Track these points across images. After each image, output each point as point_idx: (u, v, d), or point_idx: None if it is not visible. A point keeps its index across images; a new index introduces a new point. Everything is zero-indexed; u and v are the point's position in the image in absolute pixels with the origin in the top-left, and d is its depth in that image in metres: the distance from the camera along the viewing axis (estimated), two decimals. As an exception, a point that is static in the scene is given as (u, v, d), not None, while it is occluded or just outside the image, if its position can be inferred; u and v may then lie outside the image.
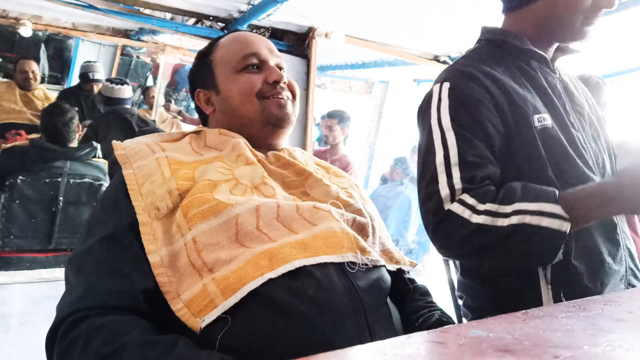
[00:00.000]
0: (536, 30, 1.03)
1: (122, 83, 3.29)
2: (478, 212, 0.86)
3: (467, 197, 0.87)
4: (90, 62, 4.04)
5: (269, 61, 0.91)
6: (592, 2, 0.96)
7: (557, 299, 0.93)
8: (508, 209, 0.85)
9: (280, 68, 0.93)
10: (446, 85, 0.98)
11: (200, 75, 0.95)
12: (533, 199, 0.84)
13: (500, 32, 1.07)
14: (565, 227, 0.81)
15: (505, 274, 0.99)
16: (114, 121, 3.17)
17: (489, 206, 0.86)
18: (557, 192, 0.85)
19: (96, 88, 3.87)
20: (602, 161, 1.02)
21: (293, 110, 0.92)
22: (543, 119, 0.95)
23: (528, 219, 0.82)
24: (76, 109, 2.72)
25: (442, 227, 0.89)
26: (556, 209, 0.82)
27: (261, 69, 0.91)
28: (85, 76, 3.87)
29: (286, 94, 0.91)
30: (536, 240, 0.82)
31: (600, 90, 1.95)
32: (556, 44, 1.06)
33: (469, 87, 0.95)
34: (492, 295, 1.03)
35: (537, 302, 0.94)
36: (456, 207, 0.87)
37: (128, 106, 3.29)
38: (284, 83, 0.90)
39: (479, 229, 0.85)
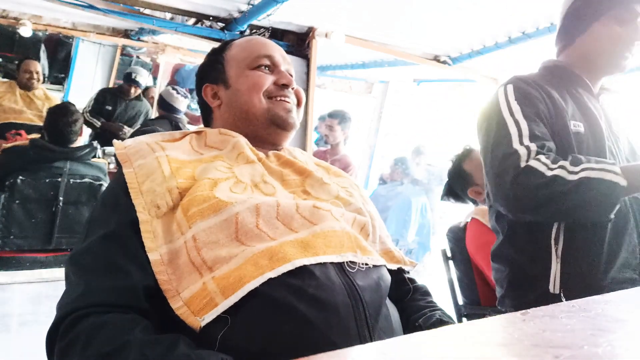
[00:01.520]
0: (581, 61, 1.23)
1: (185, 96, 3.36)
2: (552, 169, 1.03)
3: (542, 157, 1.05)
4: (136, 66, 4.10)
5: (280, 66, 0.94)
6: (628, 35, 1.14)
7: (563, 277, 1.11)
8: (577, 169, 1.02)
9: (291, 75, 0.95)
10: (510, 87, 1.19)
11: (211, 71, 0.97)
12: (597, 162, 1.02)
13: (553, 62, 1.29)
14: (623, 182, 0.98)
15: (522, 254, 1.18)
16: (169, 126, 3.19)
17: (561, 163, 1.04)
18: (612, 161, 1.04)
19: (134, 91, 3.94)
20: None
21: (297, 116, 0.94)
22: (578, 125, 1.13)
23: (594, 174, 1.00)
24: (86, 110, 2.73)
25: (520, 180, 1.05)
26: (616, 168, 1.00)
27: (273, 72, 0.93)
28: (128, 76, 3.97)
29: (292, 99, 0.93)
30: (600, 189, 0.99)
31: None
32: (601, 78, 1.25)
33: (527, 88, 1.17)
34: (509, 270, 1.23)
35: (546, 276, 1.12)
36: (534, 163, 1.05)
37: (180, 116, 3.33)
38: (292, 88, 0.93)
39: (553, 180, 1.02)
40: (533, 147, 1.07)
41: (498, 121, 1.15)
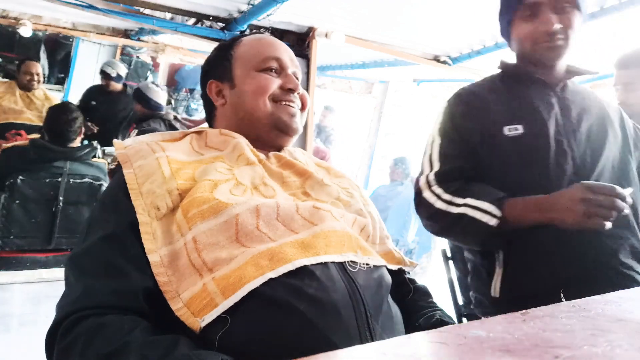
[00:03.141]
0: (521, 58, 1.24)
1: (163, 89, 3.30)
2: (441, 200, 1.12)
3: (436, 187, 1.14)
4: (111, 60, 4.06)
5: (288, 69, 0.93)
6: (537, 29, 1.14)
7: (504, 282, 1.14)
8: (461, 201, 1.09)
9: (297, 78, 0.94)
10: (445, 103, 1.26)
11: (217, 67, 0.95)
12: (479, 197, 1.07)
13: (504, 63, 1.29)
14: (493, 222, 1.03)
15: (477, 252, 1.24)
16: (164, 126, 3.14)
17: (448, 196, 1.11)
18: (502, 195, 1.06)
19: (113, 85, 3.88)
20: (588, 169, 1.13)
21: (301, 120, 0.93)
22: (515, 129, 1.14)
23: (469, 212, 1.07)
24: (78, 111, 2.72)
25: (418, 209, 1.19)
26: (491, 208, 1.04)
27: (279, 75, 0.92)
28: (101, 71, 3.92)
29: (297, 103, 0.92)
30: (472, 227, 1.06)
31: None
32: (553, 67, 1.21)
33: (458, 104, 1.23)
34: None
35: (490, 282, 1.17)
36: (427, 195, 1.15)
37: (165, 112, 3.25)
38: (298, 93, 0.92)
39: (437, 213, 1.12)
40: (432, 176, 1.16)
41: (427, 139, 1.26)
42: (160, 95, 3.23)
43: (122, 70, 3.92)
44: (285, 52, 0.94)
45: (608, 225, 0.95)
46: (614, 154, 1.18)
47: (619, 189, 0.95)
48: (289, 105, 0.90)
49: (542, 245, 1.08)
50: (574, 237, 1.04)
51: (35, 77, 3.53)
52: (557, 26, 1.11)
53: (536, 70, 1.20)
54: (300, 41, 3.12)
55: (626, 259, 1.09)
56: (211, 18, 2.95)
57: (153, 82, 3.34)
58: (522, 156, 1.12)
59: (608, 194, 0.94)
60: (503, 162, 1.14)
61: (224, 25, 2.98)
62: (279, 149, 0.92)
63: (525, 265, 1.10)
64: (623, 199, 0.95)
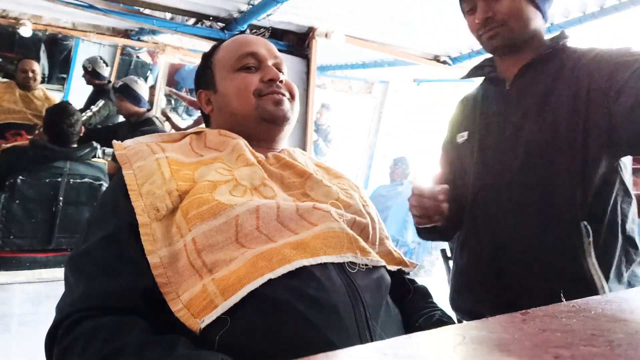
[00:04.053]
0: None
1: (144, 81, 3.24)
2: None
3: None
4: (92, 57, 4.03)
5: (266, 61, 0.92)
6: (472, 24, 1.10)
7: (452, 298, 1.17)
8: None
9: (280, 69, 0.93)
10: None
11: (202, 77, 0.97)
12: None
13: (481, 63, 1.24)
14: None
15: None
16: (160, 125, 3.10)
17: None
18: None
19: (97, 83, 3.86)
20: (507, 163, 1.04)
21: (291, 108, 0.92)
22: (462, 136, 1.16)
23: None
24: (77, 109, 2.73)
25: None
26: None
27: (259, 69, 0.91)
28: (83, 68, 3.91)
29: (283, 92, 0.91)
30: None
31: None
32: (506, 60, 1.12)
33: (455, 109, 1.27)
34: None
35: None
36: None
37: (148, 107, 3.17)
38: (281, 82, 0.90)
39: None
40: None
41: None
42: (146, 91, 3.15)
43: (103, 67, 3.85)
44: (262, 46, 0.93)
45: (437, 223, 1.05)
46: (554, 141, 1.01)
47: (440, 191, 1.01)
48: (274, 95, 0.89)
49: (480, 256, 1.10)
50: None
51: (31, 74, 3.49)
52: (482, 16, 1.05)
53: (492, 68, 1.16)
54: (300, 41, 3.12)
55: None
56: (211, 18, 2.95)
57: (137, 76, 3.22)
58: (465, 162, 1.15)
59: (429, 197, 1.02)
60: (456, 169, 1.18)
61: (224, 25, 2.98)
62: (275, 145, 0.92)
63: (465, 276, 1.15)
64: (442, 201, 1.01)
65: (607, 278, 0.93)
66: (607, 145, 0.95)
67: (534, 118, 1.02)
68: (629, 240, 0.98)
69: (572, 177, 0.96)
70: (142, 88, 3.12)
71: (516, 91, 1.08)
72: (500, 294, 1.03)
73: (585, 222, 0.94)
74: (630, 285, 0.96)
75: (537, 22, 1.05)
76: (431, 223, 1.04)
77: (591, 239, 0.93)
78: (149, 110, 3.17)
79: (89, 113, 3.72)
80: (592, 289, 0.92)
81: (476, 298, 1.10)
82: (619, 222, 0.96)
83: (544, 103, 1.02)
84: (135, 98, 3.09)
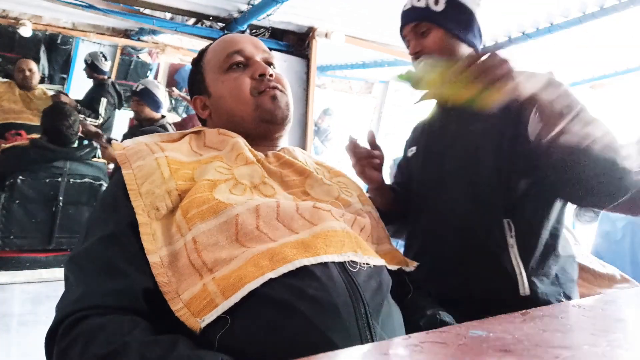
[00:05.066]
0: None
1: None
2: None
3: None
4: (93, 52, 4.03)
5: (254, 57, 0.91)
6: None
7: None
8: None
9: (269, 63, 0.93)
10: None
11: (194, 82, 0.97)
12: None
13: None
14: None
15: None
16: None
17: None
18: None
19: (97, 77, 3.86)
20: (446, 163, 1.15)
21: (287, 101, 0.91)
22: (412, 150, 1.29)
23: None
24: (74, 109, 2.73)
25: None
26: None
27: (247, 66, 0.91)
28: (84, 62, 3.92)
29: (275, 84, 0.90)
30: None
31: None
32: None
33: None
34: None
35: None
36: None
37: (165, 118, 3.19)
38: (270, 75, 0.90)
39: None
40: None
41: None
42: (166, 96, 3.15)
43: (102, 62, 3.91)
44: (248, 42, 0.93)
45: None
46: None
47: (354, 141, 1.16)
48: (270, 90, 0.89)
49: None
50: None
51: (28, 73, 3.47)
52: (413, 50, 1.25)
53: None
54: (300, 41, 3.12)
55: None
56: (211, 18, 2.95)
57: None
58: (414, 174, 1.27)
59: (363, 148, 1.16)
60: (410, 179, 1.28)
61: (224, 25, 2.98)
62: (274, 143, 0.92)
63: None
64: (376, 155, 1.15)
65: (528, 272, 1.01)
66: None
67: (469, 127, 1.13)
68: (553, 237, 1.06)
69: (499, 178, 1.05)
70: (162, 93, 3.04)
71: (455, 106, 1.17)
72: (439, 286, 1.06)
73: (509, 219, 1.03)
74: (557, 279, 1.04)
75: (462, 50, 1.18)
76: (373, 183, 1.16)
77: (514, 233, 1.03)
78: (163, 116, 3.08)
79: (100, 120, 3.74)
80: (512, 280, 1.01)
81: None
82: (543, 221, 1.05)
83: (478, 114, 1.05)
84: (156, 103, 2.99)
